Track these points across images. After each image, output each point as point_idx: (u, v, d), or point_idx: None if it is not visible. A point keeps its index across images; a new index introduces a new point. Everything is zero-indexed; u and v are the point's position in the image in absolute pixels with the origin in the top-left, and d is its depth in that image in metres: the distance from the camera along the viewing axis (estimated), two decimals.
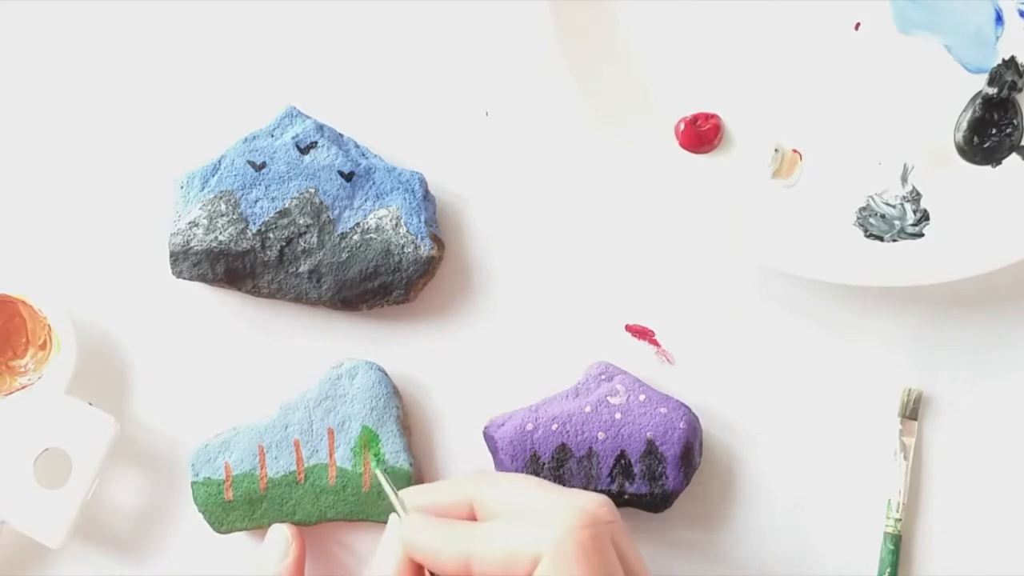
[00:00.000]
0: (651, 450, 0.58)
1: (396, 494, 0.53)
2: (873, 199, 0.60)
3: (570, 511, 0.47)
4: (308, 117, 0.60)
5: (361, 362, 0.59)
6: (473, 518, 0.50)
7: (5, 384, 0.59)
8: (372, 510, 0.58)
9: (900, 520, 0.59)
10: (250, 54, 0.62)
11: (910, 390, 0.60)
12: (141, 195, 0.61)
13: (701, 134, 0.60)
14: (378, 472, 0.55)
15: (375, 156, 0.60)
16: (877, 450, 0.60)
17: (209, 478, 0.58)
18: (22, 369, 0.59)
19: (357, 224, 0.59)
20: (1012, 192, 0.60)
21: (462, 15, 0.62)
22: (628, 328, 0.61)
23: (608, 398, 0.58)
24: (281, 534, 0.58)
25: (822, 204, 0.60)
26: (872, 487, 0.60)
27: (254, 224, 0.59)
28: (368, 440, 0.58)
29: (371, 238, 0.59)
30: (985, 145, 0.60)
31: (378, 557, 0.51)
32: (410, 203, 0.59)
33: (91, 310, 0.61)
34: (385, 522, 0.57)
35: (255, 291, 0.59)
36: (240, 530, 0.59)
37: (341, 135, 0.60)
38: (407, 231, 0.59)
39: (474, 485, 0.51)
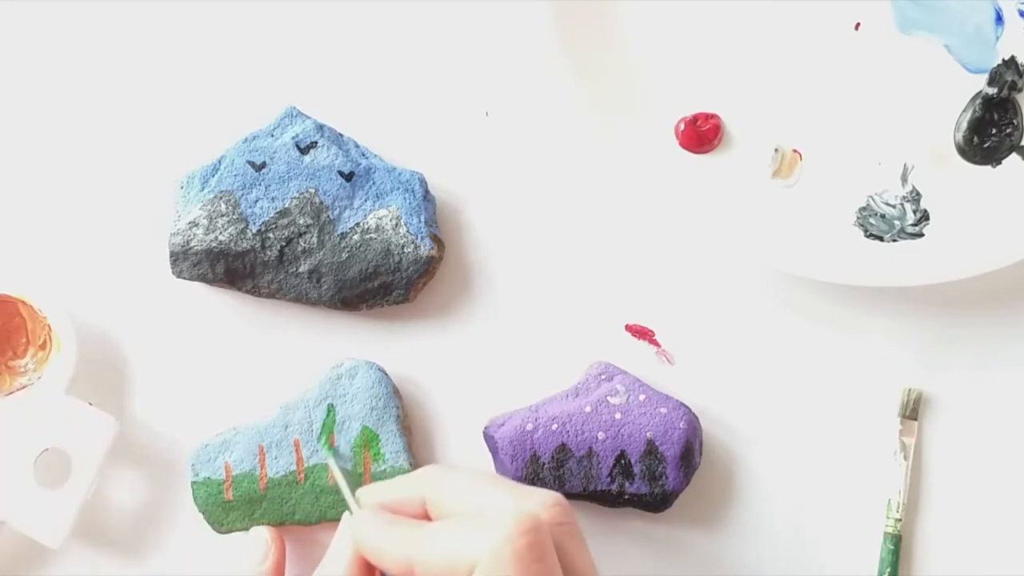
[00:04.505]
0: (651, 450, 0.58)
1: (349, 488, 0.52)
2: (873, 199, 0.60)
3: (511, 515, 0.45)
4: (308, 117, 0.60)
5: (361, 362, 0.59)
6: (427, 515, 0.49)
7: (5, 384, 0.59)
8: None
9: (900, 520, 0.59)
10: (250, 54, 0.62)
11: (910, 390, 0.60)
12: (141, 195, 0.61)
13: (701, 134, 0.60)
14: (331, 462, 0.54)
15: (375, 156, 0.60)
16: (877, 450, 0.60)
17: (209, 478, 0.58)
18: (22, 369, 0.59)
19: (357, 224, 0.59)
20: (1012, 192, 0.60)
21: (462, 15, 0.62)
22: (628, 328, 0.61)
23: (608, 398, 0.58)
24: (261, 537, 0.57)
25: (822, 204, 0.60)
26: (872, 487, 0.60)
27: (254, 224, 0.59)
28: (368, 440, 0.58)
29: (371, 238, 0.59)
30: (985, 145, 0.60)
31: (330, 553, 0.51)
32: (410, 203, 0.59)
33: (91, 310, 0.61)
34: None
35: (255, 291, 0.59)
36: (240, 530, 0.59)
37: (341, 135, 0.60)
38: (407, 231, 0.59)
39: (428, 482, 0.50)
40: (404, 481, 0.51)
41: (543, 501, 0.47)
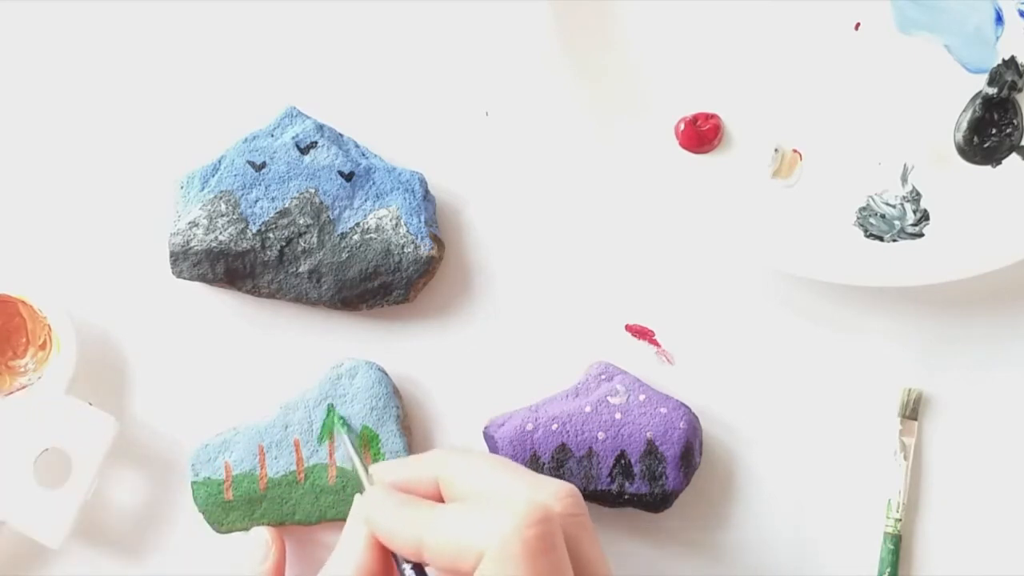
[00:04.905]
0: (651, 450, 0.58)
1: (363, 465, 0.53)
2: (873, 199, 0.60)
3: (522, 505, 0.45)
4: (308, 117, 0.60)
5: (361, 362, 0.59)
6: (439, 496, 0.49)
7: (5, 384, 0.59)
8: None
9: (900, 520, 0.59)
10: (250, 54, 0.62)
11: (910, 390, 0.60)
12: (141, 195, 0.61)
13: (701, 134, 0.60)
14: (344, 437, 0.54)
15: (375, 156, 0.60)
16: (877, 450, 0.60)
17: (209, 478, 0.58)
18: (22, 369, 0.59)
19: (357, 224, 0.59)
20: (1012, 192, 0.60)
21: (462, 15, 0.62)
22: (628, 328, 0.61)
23: (608, 398, 0.58)
24: (261, 537, 0.57)
25: (822, 204, 0.60)
26: (872, 487, 0.60)
27: (254, 224, 0.59)
28: (368, 440, 0.58)
29: (371, 238, 0.59)
30: (985, 145, 0.60)
31: (345, 534, 0.51)
32: (410, 203, 0.59)
33: (91, 310, 0.61)
34: None
35: (255, 291, 0.59)
36: (240, 530, 0.59)
37: (341, 135, 0.60)
38: (407, 231, 0.59)
39: (441, 462, 0.50)
40: (418, 460, 0.52)
41: (556, 491, 0.47)
